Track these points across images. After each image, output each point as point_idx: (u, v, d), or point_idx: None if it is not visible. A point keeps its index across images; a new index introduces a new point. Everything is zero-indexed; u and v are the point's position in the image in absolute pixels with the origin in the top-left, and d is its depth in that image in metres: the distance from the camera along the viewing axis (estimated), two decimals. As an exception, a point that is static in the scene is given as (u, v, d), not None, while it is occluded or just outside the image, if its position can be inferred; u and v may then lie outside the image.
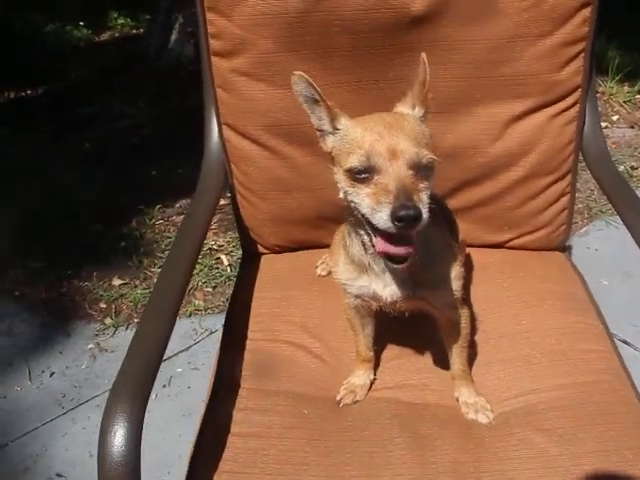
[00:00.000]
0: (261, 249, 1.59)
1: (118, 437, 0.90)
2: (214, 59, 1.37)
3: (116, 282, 2.49)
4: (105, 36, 4.36)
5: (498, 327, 1.35)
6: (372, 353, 1.28)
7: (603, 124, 3.13)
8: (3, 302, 2.44)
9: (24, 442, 1.92)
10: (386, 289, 1.08)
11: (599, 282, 2.28)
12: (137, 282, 2.49)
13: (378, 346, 1.33)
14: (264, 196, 1.48)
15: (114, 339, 2.26)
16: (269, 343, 1.35)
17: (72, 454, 1.89)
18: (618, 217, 1.30)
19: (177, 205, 2.81)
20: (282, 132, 1.41)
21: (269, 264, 1.55)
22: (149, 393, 0.96)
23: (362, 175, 0.91)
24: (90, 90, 3.59)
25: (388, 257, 0.94)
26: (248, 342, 1.36)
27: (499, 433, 1.15)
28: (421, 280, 1.07)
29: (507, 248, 1.54)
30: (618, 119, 3.17)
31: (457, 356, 1.21)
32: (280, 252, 1.57)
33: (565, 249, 1.57)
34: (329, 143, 1.02)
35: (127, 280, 2.50)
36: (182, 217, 2.75)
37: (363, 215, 0.92)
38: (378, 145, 0.91)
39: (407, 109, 1.05)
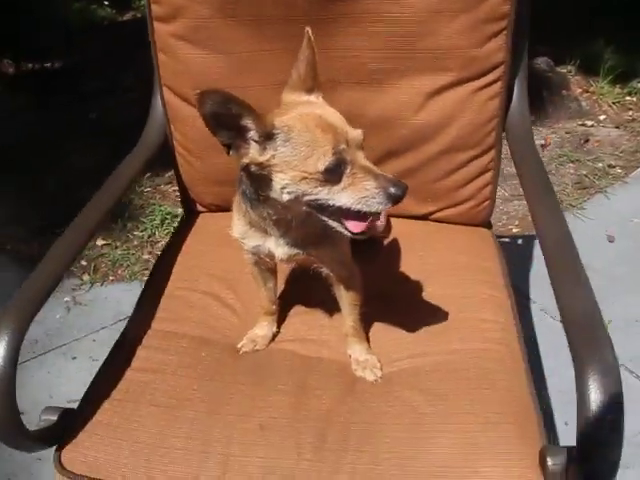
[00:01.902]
0: (199, 207, 1.65)
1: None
2: (156, 24, 1.43)
3: (99, 242, 2.58)
4: (128, 16, 4.48)
5: (404, 292, 1.38)
6: (275, 306, 1.33)
7: (589, 122, 3.09)
8: (-6, 255, 2.57)
9: (-6, 380, 2.03)
10: (279, 248, 1.12)
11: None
12: (118, 243, 2.59)
13: (285, 301, 1.38)
14: (200, 156, 1.54)
15: (89, 294, 2.37)
16: (187, 291, 1.42)
17: (35, 395, 1.97)
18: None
19: (167, 175, 2.89)
20: (215, 94, 1.45)
21: (204, 222, 1.62)
22: (31, 317, 1.04)
23: (334, 173, 0.92)
24: (105, 65, 3.71)
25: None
26: (168, 289, 1.43)
27: (380, 390, 1.19)
28: (312, 240, 1.11)
29: (432, 220, 1.56)
30: (605, 119, 3.12)
31: (349, 313, 1.25)
32: (216, 211, 1.62)
33: (490, 225, 1.58)
34: (264, 152, 0.94)
35: (109, 241, 2.60)
36: (169, 186, 2.85)
37: (336, 207, 0.94)
38: (338, 140, 0.93)
39: (304, 95, 1.05)
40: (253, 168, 0.95)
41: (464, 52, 1.35)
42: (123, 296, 2.29)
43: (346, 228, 0.98)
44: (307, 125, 0.93)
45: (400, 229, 1.55)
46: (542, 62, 3.13)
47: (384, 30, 1.35)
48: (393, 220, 1.58)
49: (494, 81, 1.38)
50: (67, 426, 1.11)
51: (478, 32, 1.33)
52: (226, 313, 1.38)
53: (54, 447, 1.10)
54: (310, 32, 1.04)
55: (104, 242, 2.60)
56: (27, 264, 2.48)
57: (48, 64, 3.87)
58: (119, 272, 2.47)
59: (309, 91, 1.04)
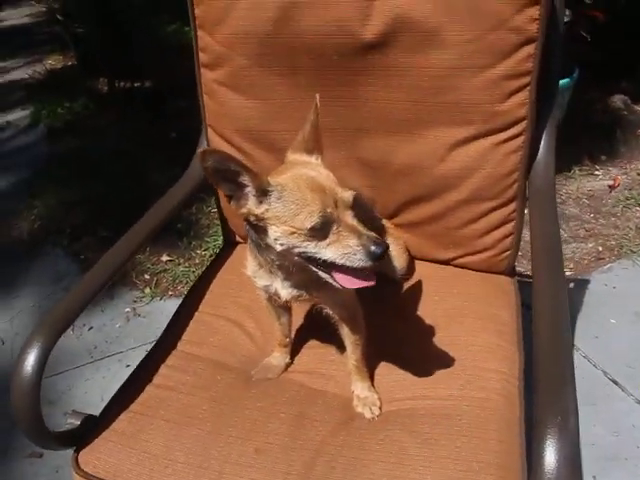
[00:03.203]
0: (238, 239, 1.79)
1: (29, 356, 1.14)
2: (202, 69, 1.59)
3: (164, 258, 2.80)
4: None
5: (413, 335, 1.44)
6: (288, 340, 1.43)
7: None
8: (68, 263, 2.85)
9: (55, 380, 2.26)
10: (283, 290, 1.24)
11: (607, 320, 2.23)
12: (181, 260, 2.79)
13: (301, 334, 1.49)
14: (238, 191, 1.68)
15: (148, 307, 2.58)
16: (213, 317, 1.56)
17: (88, 396, 2.20)
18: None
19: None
20: (251, 137, 1.60)
21: (240, 253, 1.74)
22: (60, 333, 1.20)
23: (320, 230, 1.01)
24: (192, 86, 3.99)
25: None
26: (197, 313, 1.58)
27: (374, 428, 1.27)
28: (313, 283, 1.20)
29: (454, 266, 1.62)
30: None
31: (352, 352, 1.33)
32: (253, 243, 1.75)
33: (513, 274, 1.61)
34: (259, 206, 1.03)
35: (173, 258, 2.81)
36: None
37: (322, 260, 1.04)
38: (325, 201, 1.03)
39: (305, 156, 1.15)
40: (251, 218, 1.08)
41: (486, 107, 1.40)
42: (179, 311, 2.49)
43: (335, 280, 1.07)
44: (298, 185, 1.04)
45: (422, 272, 1.62)
46: (618, 100, 3.08)
47: (411, 83, 1.44)
48: (417, 263, 1.65)
49: (516, 135, 1.42)
50: (87, 430, 1.27)
51: (500, 88, 1.38)
52: (245, 341, 1.50)
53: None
54: (318, 99, 1.15)
55: (168, 258, 2.81)
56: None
57: (138, 83, 4.21)
58: (178, 288, 2.66)
59: (310, 152, 1.15)
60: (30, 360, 1.14)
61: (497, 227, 1.52)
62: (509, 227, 1.52)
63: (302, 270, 1.14)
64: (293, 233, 1.03)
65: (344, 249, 1.02)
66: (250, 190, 1.04)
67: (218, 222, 2.96)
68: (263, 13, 1.45)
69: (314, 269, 1.08)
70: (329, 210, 1.02)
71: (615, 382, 2.03)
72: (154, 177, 3.29)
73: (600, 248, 2.62)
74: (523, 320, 1.49)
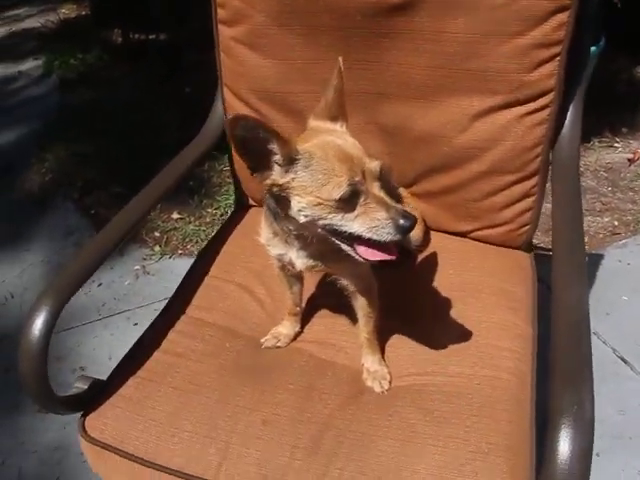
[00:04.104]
0: (251, 202, 1.75)
1: (37, 320, 1.12)
2: (220, 26, 1.52)
3: (174, 215, 2.77)
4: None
5: (426, 309, 1.41)
6: (298, 308, 1.40)
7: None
8: (79, 218, 2.82)
9: (63, 336, 2.25)
10: (299, 259, 1.20)
11: (619, 296, 2.19)
12: (192, 218, 2.76)
13: (312, 303, 1.46)
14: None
15: (157, 264, 2.55)
16: (223, 282, 1.52)
17: (96, 354, 2.20)
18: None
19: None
20: (269, 98, 1.54)
21: (253, 216, 1.71)
22: (69, 297, 1.17)
23: (348, 202, 0.97)
24: (210, 41, 3.88)
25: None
26: (207, 277, 1.54)
27: (384, 402, 1.24)
28: (330, 254, 1.16)
29: (471, 239, 1.57)
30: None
31: (364, 325, 1.30)
32: (266, 207, 1.71)
33: (531, 249, 1.56)
34: (285, 175, 0.99)
35: (184, 215, 2.77)
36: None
37: (348, 233, 1.01)
38: (353, 171, 0.98)
39: (328, 123, 1.09)
40: (275, 189, 1.02)
41: (513, 76, 1.33)
42: (188, 270, 2.47)
43: (357, 253, 1.03)
44: (326, 154, 0.99)
45: (437, 244, 1.57)
46: (644, 71, 2.95)
47: (436, 48, 1.37)
48: (433, 234, 1.60)
49: (542, 107, 1.36)
50: (94, 395, 1.25)
51: (528, 57, 1.31)
52: (255, 307, 1.47)
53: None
54: (341, 62, 1.09)
55: (179, 216, 2.77)
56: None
57: (153, 35, 4.10)
58: (188, 247, 2.63)
59: (334, 119, 1.09)
60: (37, 324, 1.11)
61: (517, 201, 1.47)
62: (529, 201, 1.47)
63: (321, 241, 1.09)
64: (319, 204, 0.98)
65: (372, 222, 0.98)
66: (277, 159, 0.98)
67: (230, 181, 2.96)
68: (285, -31, 1.37)
69: (336, 241, 1.04)
70: (357, 180, 0.97)
71: (624, 360, 2.00)
72: (168, 132, 3.22)
73: (616, 223, 2.56)
74: (539, 296, 1.46)
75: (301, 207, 1.01)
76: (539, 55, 1.31)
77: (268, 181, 1.01)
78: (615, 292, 2.21)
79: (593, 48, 2.69)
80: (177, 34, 3.94)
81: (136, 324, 2.27)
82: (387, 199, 1.00)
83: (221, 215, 2.77)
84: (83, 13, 5.02)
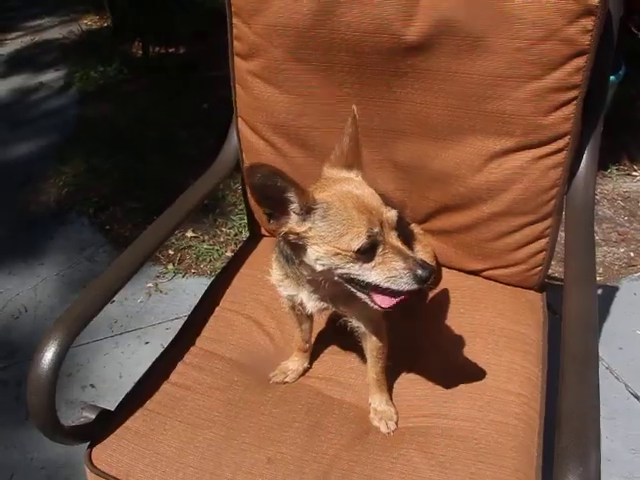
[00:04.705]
0: (263, 232, 1.76)
1: (47, 353, 1.13)
2: (236, 59, 1.53)
3: (189, 234, 2.79)
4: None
5: (435, 349, 1.41)
6: (307, 345, 1.41)
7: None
8: (94, 232, 2.85)
9: (74, 352, 2.27)
10: (310, 302, 1.21)
11: (633, 330, 2.17)
12: (206, 237, 2.78)
13: (321, 339, 1.46)
14: (266, 185, 1.64)
15: (170, 283, 2.58)
16: (233, 314, 1.54)
17: (107, 371, 2.22)
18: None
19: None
20: (284, 132, 1.55)
21: (264, 247, 1.72)
22: (80, 330, 1.19)
23: (366, 252, 0.99)
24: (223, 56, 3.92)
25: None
26: (217, 309, 1.56)
27: (388, 444, 1.24)
28: (341, 297, 1.18)
29: (483, 277, 1.57)
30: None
31: (372, 365, 1.30)
32: (277, 238, 1.72)
33: (543, 289, 1.56)
34: (302, 224, 1.01)
35: (198, 234, 2.80)
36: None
37: (366, 282, 1.02)
38: (372, 222, 1.00)
39: (344, 172, 1.10)
40: (291, 237, 1.04)
41: (529, 119, 1.33)
42: (201, 290, 2.42)
43: (373, 301, 1.05)
44: (345, 204, 1.00)
45: (449, 281, 1.57)
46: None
47: (452, 88, 1.37)
48: (445, 271, 1.61)
49: (558, 150, 1.35)
50: (101, 426, 1.27)
51: (545, 100, 1.31)
52: (265, 341, 1.48)
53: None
54: (356, 110, 1.10)
55: (193, 234, 2.79)
56: (120, 245, 2.74)
57: (172, 49, 4.15)
58: (201, 266, 2.65)
59: (349, 167, 1.10)
60: (47, 357, 1.13)
61: (530, 242, 1.47)
62: (542, 243, 1.47)
63: (334, 285, 1.10)
64: (337, 254, 1.00)
65: (390, 272, 0.99)
66: (295, 207, 1.00)
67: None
68: (303, 5, 1.38)
69: (352, 289, 1.06)
70: (376, 231, 0.99)
71: (636, 396, 1.98)
72: (184, 149, 3.27)
73: (632, 254, 2.54)
74: (551, 327, 1.47)
75: (318, 256, 1.02)
76: (556, 98, 1.30)
77: (284, 228, 1.02)
78: (629, 326, 2.19)
79: (613, 77, 2.69)
80: (195, 49, 3.98)
81: (147, 343, 2.29)
82: (405, 249, 1.02)
83: (235, 235, 2.79)
84: (105, 25, 5.09)
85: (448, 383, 1.33)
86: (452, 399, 1.30)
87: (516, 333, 1.42)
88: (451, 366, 1.37)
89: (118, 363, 2.23)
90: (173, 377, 1.37)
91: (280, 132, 1.55)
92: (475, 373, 1.34)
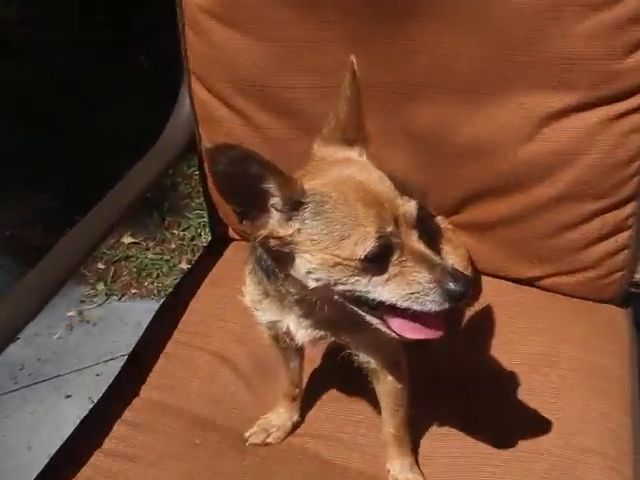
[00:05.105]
0: (231, 233, 1.76)
1: None
2: (184, -10, 1.53)
3: (126, 239, 2.78)
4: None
5: (477, 390, 1.40)
6: (297, 390, 1.40)
7: None
8: (-8, 248, 2.82)
9: (-43, 415, 2.24)
10: (300, 330, 1.19)
11: None
12: (150, 244, 2.78)
13: (315, 381, 1.46)
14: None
15: (101, 309, 2.56)
16: (192, 350, 1.54)
17: (9, 441, 2.17)
18: None
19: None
20: (254, 94, 1.54)
21: (234, 254, 1.72)
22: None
23: (377, 261, 0.97)
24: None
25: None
26: (170, 344, 1.56)
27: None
28: (343, 323, 1.16)
29: (539, 288, 1.58)
30: None
31: (389, 416, 1.30)
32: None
33: (628, 303, 1.57)
34: (287, 224, 0.99)
35: (139, 239, 2.79)
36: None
37: (378, 302, 1.00)
38: (383, 218, 0.98)
39: (342, 150, 1.09)
40: (272, 242, 1.02)
41: (598, 64, 1.33)
42: (145, 318, 2.37)
43: (389, 328, 1.03)
44: (345, 195, 0.99)
45: (493, 295, 1.57)
46: None
47: (486, 27, 1.37)
48: (486, 281, 1.61)
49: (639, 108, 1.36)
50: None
51: (620, 37, 1.31)
52: (237, 386, 1.47)
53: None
54: (355, 62, 1.07)
55: (132, 240, 2.79)
56: (27, 258, 2.68)
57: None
58: (145, 284, 2.65)
59: (349, 143, 1.09)
60: None
61: (605, 237, 1.47)
62: (622, 237, 1.47)
63: (333, 306, 1.09)
64: (336, 264, 0.98)
65: (410, 287, 0.98)
66: (276, 202, 0.98)
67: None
68: None
69: (358, 311, 1.04)
70: (389, 231, 0.97)
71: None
72: (116, 123, 3.23)
73: None
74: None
75: (311, 268, 1.00)
76: (635, 34, 1.30)
77: (263, 231, 1.00)
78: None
79: None
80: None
81: (69, 396, 2.28)
82: (429, 253, 1.00)
83: (191, 239, 2.79)
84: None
85: (496, 440, 1.32)
86: (504, 463, 1.30)
87: (591, 365, 1.42)
88: (500, 415, 1.36)
89: (26, 429, 2.20)
90: (108, 444, 1.36)
91: (250, 94, 1.55)
92: (535, 424, 1.33)
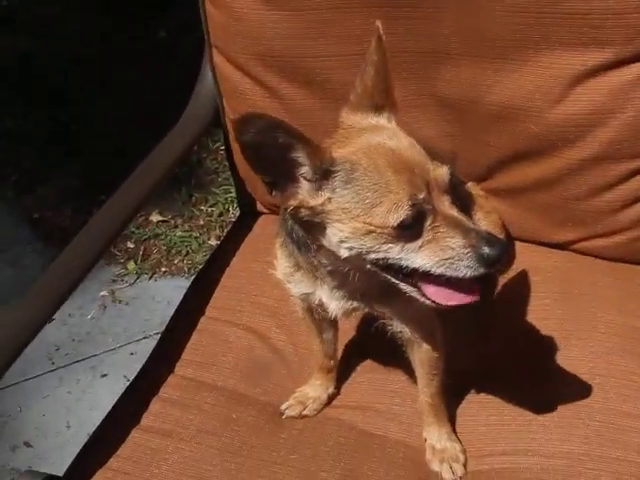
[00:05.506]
0: (259, 207, 1.76)
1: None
2: (204, -40, 1.53)
3: (154, 217, 2.80)
4: None
5: (513, 360, 1.40)
6: (332, 362, 1.41)
7: None
8: (17, 225, 2.82)
9: (-2, 397, 2.29)
10: (333, 301, 1.19)
11: None
12: (179, 221, 2.79)
13: (350, 352, 1.47)
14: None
15: (132, 289, 2.58)
16: (225, 325, 1.54)
17: (48, 421, 2.21)
18: None
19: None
20: (278, 65, 1.54)
21: (263, 228, 1.73)
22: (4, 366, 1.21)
23: (410, 227, 0.97)
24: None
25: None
26: (202, 319, 1.56)
27: (457, 498, 1.26)
28: (376, 293, 1.16)
29: (574, 252, 1.56)
30: None
31: (424, 385, 1.30)
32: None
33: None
34: (317, 194, 0.99)
35: (168, 217, 2.80)
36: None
37: (412, 269, 1.00)
38: (415, 184, 0.98)
39: (370, 117, 1.08)
40: (303, 213, 1.02)
41: (633, 18, 1.30)
42: (176, 296, 2.39)
43: (424, 295, 1.03)
44: (375, 162, 0.99)
45: (526, 261, 1.57)
46: None
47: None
48: (519, 246, 1.60)
49: (679, 63, 1.34)
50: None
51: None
52: (272, 361, 1.48)
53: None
54: (381, 28, 1.07)
55: (161, 218, 2.80)
56: (55, 241, 2.70)
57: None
58: (175, 262, 2.66)
59: (378, 110, 1.08)
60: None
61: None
62: (659, 198, 1.46)
63: (366, 276, 1.09)
64: (369, 232, 0.98)
65: (444, 253, 0.98)
66: (305, 172, 0.99)
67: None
68: None
69: (393, 279, 1.04)
70: (421, 197, 0.97)
71: None
72: (137, 98, 3.23)
73: None
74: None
75: (342, 237, 1.00)
76: (669, -15, 1.29)
77: (293, 202, 1.01)
78: None
79: None
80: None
81: (104, 375, 2.31)
82: (463, 219, 1.00)
83: (219, 215, 2.80)
84: None
85: (535, 406, 1.32)
86: (543, 429, 1.30)
87: (629, 329, 1.41)
88: (538, 381, 1.36)
89: (64, 407, 2.23)
90: (146, 421, 1.37)
91: (271, 65, 1.54)
92: (574, 389, 1.33)
